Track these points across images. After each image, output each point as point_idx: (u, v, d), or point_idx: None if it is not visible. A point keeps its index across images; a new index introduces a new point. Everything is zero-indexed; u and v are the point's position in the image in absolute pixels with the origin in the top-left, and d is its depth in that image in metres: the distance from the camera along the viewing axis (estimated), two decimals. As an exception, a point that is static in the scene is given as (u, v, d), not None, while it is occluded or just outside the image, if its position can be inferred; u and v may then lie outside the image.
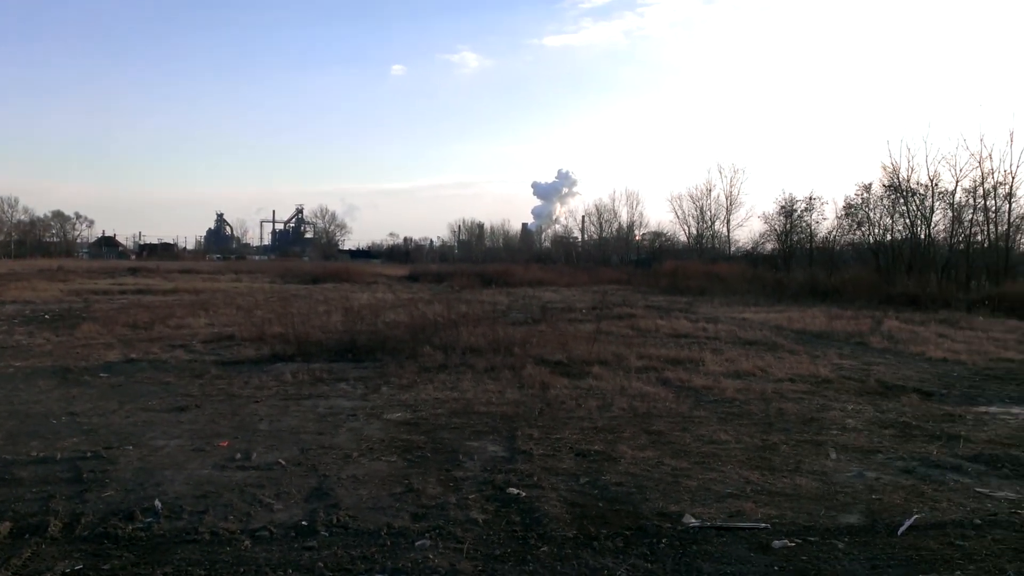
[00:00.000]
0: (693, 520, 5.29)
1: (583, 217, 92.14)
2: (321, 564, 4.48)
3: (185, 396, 9.66)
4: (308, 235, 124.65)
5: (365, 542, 4.82)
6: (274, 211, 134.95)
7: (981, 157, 34.19)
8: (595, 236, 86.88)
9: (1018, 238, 36.03)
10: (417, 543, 4.81)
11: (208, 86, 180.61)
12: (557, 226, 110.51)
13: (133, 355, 13.05)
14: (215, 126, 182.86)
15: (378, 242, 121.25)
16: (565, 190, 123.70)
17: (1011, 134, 40.00)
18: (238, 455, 6.82)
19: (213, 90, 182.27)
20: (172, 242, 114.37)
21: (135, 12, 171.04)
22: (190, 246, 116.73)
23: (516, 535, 4.99)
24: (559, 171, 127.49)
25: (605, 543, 4.88)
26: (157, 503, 5.46)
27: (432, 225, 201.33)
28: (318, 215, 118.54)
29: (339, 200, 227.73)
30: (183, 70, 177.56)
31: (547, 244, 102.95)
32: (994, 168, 33.98)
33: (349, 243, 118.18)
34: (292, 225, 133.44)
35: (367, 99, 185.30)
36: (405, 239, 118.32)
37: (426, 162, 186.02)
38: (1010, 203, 34.01)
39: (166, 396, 9.66)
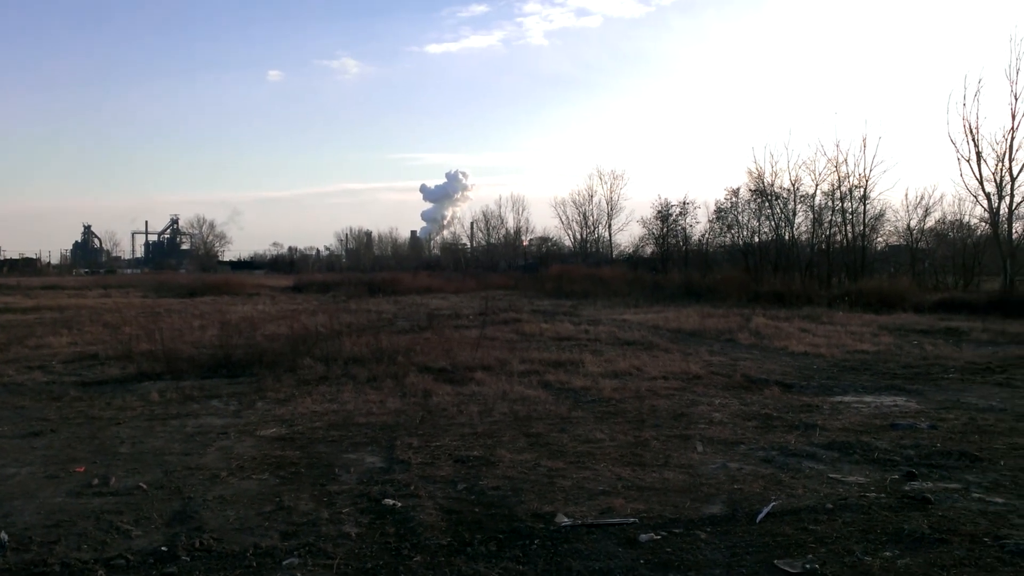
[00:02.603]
0: (565, 519, 5.39)
1: (471, 224, 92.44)
2: (181, 590, 4.30)
3: (40, 420, 9.04)
4: (185, 246, 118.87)
5: (229, 564, 4.65)
6: (147, 222, 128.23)
7: (838, 162, 36.67)
8: (483, 243, 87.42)
9: (873, 237, 38.81)
10: (285, 562, 4.68)
11: (75, 92, 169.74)
12: (446, 233, 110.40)
13: (-17, 379, 12.11)
14: (82, 134, 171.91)
15: (261, 252, 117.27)
16: (457, 194, 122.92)
17: (864, 140, 43.28)
18: (95, 480, 6.44)
19: (80, 96, 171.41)
20: (35, 256, 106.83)
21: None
22: (55, 261, 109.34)
23: (389, 547, 4.94)
24: (448, 173, 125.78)
25: (479, 548, 4.91)
26: (3, 535, 5.08)
27: (319, 234, 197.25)
28: (195, 225, 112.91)
29: (220, 208, 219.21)
30: (48, 74, 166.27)
31: (436, 251, 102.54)
32: (850, 172, 36.50)
33: (230, 254, 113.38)
34: (167, 236, 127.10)
35: (243, 105, 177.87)
36: (290, 248, 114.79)
37: (311, 169, 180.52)
38: (865, 205, 36.59)
39: (19, 421, 9.02)
